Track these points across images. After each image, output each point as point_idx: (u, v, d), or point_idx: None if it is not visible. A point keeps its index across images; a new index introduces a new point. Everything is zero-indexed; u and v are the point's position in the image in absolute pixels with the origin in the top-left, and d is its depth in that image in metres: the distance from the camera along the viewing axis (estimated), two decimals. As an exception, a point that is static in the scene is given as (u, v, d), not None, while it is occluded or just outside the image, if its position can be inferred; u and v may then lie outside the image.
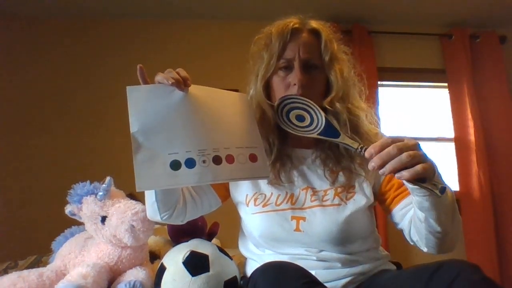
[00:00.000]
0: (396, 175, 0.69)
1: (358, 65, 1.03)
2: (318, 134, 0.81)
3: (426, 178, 0.69)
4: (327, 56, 0.95)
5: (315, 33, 0.97)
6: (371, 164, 0.69)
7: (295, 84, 0.91)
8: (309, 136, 0.83)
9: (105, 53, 2.66)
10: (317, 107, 0.85)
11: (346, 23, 2.71)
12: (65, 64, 2.63)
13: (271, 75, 0.95)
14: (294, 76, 0.92)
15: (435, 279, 0.71)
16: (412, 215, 0.91)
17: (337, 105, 0.93)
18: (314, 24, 0.98)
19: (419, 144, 0.71)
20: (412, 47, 2.84)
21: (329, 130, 0.81)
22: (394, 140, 0.69)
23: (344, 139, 0.78)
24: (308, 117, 0.84)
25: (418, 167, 0.67)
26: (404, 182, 0.76)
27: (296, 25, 0.96)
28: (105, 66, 2.62)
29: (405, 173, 0.68)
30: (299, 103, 0.87)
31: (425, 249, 0.92)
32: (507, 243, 2.51)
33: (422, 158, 0.68)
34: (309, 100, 0.87)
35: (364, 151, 0.72)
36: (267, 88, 0.97)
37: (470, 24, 2.78)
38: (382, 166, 0.68)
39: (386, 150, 0.68)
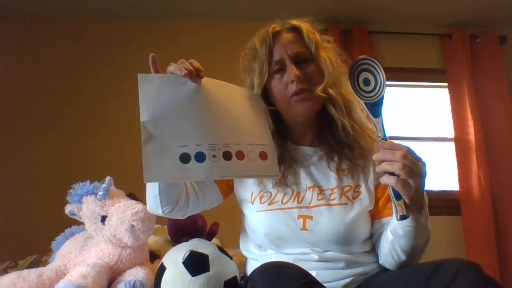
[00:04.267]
0: (380, 178, 0.74)
1: (343, 53, 1.03)
2: (365, 103, 0.79)
3: (402, 196, 0.72)
4: (313, 47, 0.96)
5: (295, 29, 0.98)
6: (375, 155, 0.74)
7: (292, 81, 0.92)
8: (358, 98, 0.80)
9: (106, 54, 2.66)
10: (384, 81, 0.80)
11: (346, 23, 2.70)
12: (65, 64, 2.63)
13: (267, 81, 0.96)
14: (290, 73, 0.92)
15: (435, 278, 0.72)
16: (385, 231, 0.94)
17: (331, 91, 0.94)
18: (292, 21, 0.99)
19: (425, 172, 0.74)
20: (412, 47, 2.83)
21: (375, 107, 0.79)
22: (408, 151, 0.72)
23: (378, 123, 0.78)
24: (373, 82, 0.80)
25: (394, 178, 0.71)
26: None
27: (276, 28, 0.98)
28: (105, 66, 2.62)
29: (383, 177, 0.73)
30: (370, 65, 0.82)
31: (380, 261, 0.95)
32: (507, 243, 2.51)
33: (412, 178, 0.71)
34: (383, 71, 0.81)
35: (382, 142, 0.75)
36: (266, 95, 0.98)
37: (470, 24, 2.77)
38: (381, 161, 0.73)
39: (393, 151, 0.72)
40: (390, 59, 2.79)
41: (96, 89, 2.59)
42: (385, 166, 0.72)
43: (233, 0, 2.57)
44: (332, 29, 2.58)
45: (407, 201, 0.73)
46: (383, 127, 0.77)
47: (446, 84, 2.78)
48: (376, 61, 0.81)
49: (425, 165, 0.74)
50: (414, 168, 0.71)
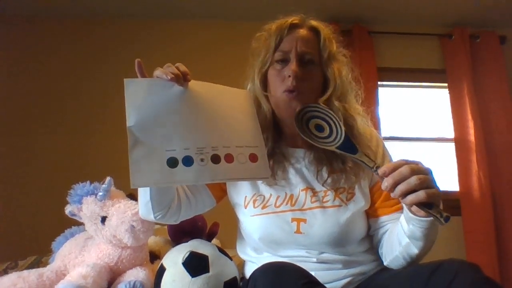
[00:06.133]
0: (402, 200, 0.70)
1: (356, 69, 1.02)
2: (337, 148, 0.78)
3: (432, 204, 0.69)
4: (325, 54, 0.95)
5: (314, 30, 0.97)
6: (384, 184, 0.70)
7: (289, 76, 0.90)
8: (327, 148, 0.81)
9: (105, 53, 2.66)
10: (338, 120, 0.82)
11: (346, 23, 2.70)
12: (65, 64, 2.63)
13: (267, 68, 0.95)
14: (289, 68, 0.91)
15: (434, 279, 0.72)
16: (389, 229, 0.92)
17: (335, 102, 0.93)
18: (314, 22, 0.98)
19: (431, 170, 0.72)
20: (412, 47, 2.83)
21: (348, 145, 0.78)
22: (408, 162, 0.70)
23: (362, 156, 0.76)
24: (328, 128, 0.81)
25: (422, 193, 0.68)
26: (406, 207, 0.77)
27: (295, 21, 0.96)
28: (104, 66, 2.62)
29: (410, 198, 0.69)
30: (320, 112, 0.83)
31: (385, 263, 0.94)
32: (507, 243, 2.51)
33: (430, 184, 0.69)
34: (331, 112, 0.83)
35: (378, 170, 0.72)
36: (264, 81, 0.96)
37: (470, 24, 2.77)
38: (394, 186, 0.69)
39: (399, 170, 0.69)
40: (390, 59, 2.80)
41: (96, 89, 2.59)
42: (402, 188, 0.69)
43: (233, 0, 2.57)
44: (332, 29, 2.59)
45: (438, 204, 0.70)
46: (368, 158, 0.76)
47: (446, 84, 2.78)
48: (318, 106, 0.82)
49: (431, 171, 0.72)
50: (424, 174, 0.69)
